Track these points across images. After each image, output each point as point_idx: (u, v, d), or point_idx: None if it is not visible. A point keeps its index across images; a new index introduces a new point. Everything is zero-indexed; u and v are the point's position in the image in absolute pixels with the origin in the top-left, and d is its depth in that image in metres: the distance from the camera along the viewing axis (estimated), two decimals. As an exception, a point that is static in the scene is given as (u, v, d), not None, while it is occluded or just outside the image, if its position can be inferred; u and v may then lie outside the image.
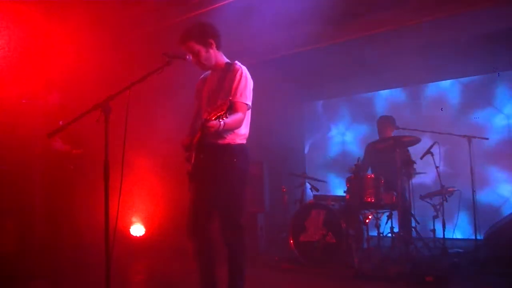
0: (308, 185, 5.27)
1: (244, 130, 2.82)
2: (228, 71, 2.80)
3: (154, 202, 6.14)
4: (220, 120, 2.38)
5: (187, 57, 2.75)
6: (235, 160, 2.77)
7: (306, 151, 7.66)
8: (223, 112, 2.31)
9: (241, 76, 2.75)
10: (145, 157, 6.16)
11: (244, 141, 2.86)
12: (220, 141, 2.74)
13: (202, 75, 3.05)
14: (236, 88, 2.72)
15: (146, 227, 6.19)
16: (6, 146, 4.11)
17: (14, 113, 4.20)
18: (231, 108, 2.35)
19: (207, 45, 2.78)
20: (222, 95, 2.76)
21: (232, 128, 2.69)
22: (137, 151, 5.13)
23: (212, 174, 2.76)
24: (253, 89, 2.85)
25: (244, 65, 2.87)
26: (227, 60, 2.89)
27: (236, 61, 2.87)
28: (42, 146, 4.36)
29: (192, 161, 2.75)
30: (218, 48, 2.85)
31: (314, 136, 7.69)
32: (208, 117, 2.38)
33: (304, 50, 5.51)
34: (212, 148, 2.72)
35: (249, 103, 2.77)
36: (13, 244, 5.65)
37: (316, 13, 5.17)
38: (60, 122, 4.26)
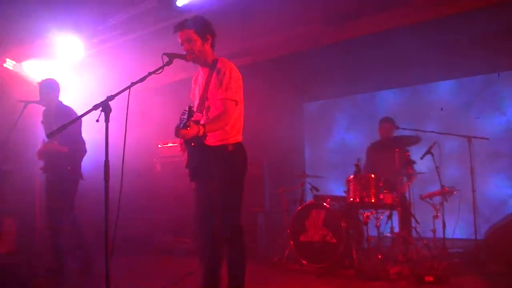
0: (308, 185, 5.27)
1: (237, 126, 2.80)
2: (213, 68, 2.80)
3: (154, 202, 6.14)
4: (199, 125, 2.45)
5: (186, 57, 2.76)
6: (231, 160, 2.76)
7: (305, 151, 7.66)
8: (185, 120, 2.35)
9: (225, 71, 2.73)
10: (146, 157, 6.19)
11: (239, 138, 2.83)
12: (212, 143, 2.73)
13: (195, 74, 3.06)
14: (221, 84, 2.71)
15: (146, 227, 6.18)
16: (7, 147, 4.11)
17: (13, 114, 4.19)
18: (192, 115, 2.39)
19: (204, 39, 2.81)
20: (209, 93, 2.78)
21: (217, 128, 2.67)
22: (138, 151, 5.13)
23: (208, 176, 2.76)
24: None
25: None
26: (215, 58, 2.90)
27: (222, 57, 2.86)
28: (41, 146, 4.36)
29: (185, 163, 2.77)
30: (212, 47, 2.88)
31: (313, 136, 7.68)
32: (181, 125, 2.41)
33: (303, 50, 5.51)
34: (206, 149, 2.72)
35: (236, 98, 2.75)
36: (13, 244, 5.67)
37: (316, 13, 5.18)
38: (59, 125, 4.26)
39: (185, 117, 2.37)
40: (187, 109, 2.38)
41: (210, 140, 2.71)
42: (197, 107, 2.80)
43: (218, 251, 2.85)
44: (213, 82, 2.77)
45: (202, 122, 2.70)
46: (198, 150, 2.72)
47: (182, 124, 2.37)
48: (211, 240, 2.83)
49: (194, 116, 2.78)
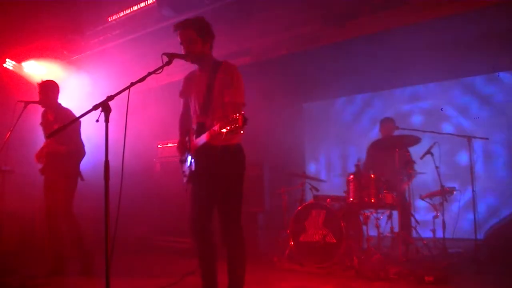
0: (308, 185, 5.27)
1: None
2: (218, 70, 2.80)
3: (154, 202, 6.14)
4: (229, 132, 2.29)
5: (186, 57, 2.76)
6: (232, 161, 2.77)
7: (305, 151, 7.66)
8: (240, 127, 2.20)
9: (233, 74, 2.75)
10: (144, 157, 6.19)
11: (240, 140, 2.85)
12: (217, 143, 2.73)
13: (188, 73, 3.04)
14: (230, 88, 2.72)
15: (146, 227, 6.18)
16: (7, 147, 4.11)
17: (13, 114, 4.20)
18: (246, 121, 2.22)
19: (205, 40, 2.81)
20: (214, 96, 2.76)
21: None
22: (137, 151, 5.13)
23: (210, 176, 2.76)
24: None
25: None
26: (215, 59, 2.90)
27: (225, 60, 2.87)
28: (41, 147, 4.36)
29: (189, 163, 2.77)
30: (211, 48, 2.89)
31: (313, 136, 7.68)
32: (221, 130, 2.28)
33: (303, 50, 5.51)
34: (209, 150, 2.72)
35: (244, 100, 2.77)
36: (13, 244, 5.67)
37: (316, 13, 5.18)
38: (55, 126, 4.27)
39: (238, 125, 2.20)
40: (239, 116, 2.20)
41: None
42: (200, 109, 2.80)
43: (215, 251, 2.86)
44: (218, 84, 2.76)
45: (207, 124, 2.70)
46: (200, 150, 2.72)
47: (229, 130, 2.23)
48: (208, 240, 2.84)
49: (200, 118, 2.78)
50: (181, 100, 3.07)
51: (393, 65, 5.75)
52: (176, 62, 2.67)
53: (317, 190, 5.14)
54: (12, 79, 6.16)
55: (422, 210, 5.07)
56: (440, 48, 5.42)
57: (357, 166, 4.68)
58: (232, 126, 2.23)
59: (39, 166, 4.42)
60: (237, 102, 2.69)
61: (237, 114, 2.21)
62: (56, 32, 6.02)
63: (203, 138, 2.64)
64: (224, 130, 2.27)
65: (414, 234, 4.70)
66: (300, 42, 5.39)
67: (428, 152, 4.83)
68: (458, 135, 5.04)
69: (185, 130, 3.00)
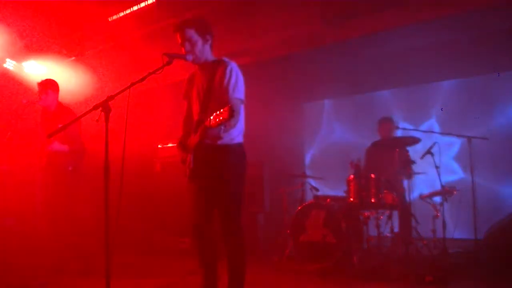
0: (308, 185, 5.27)
1: (240, 126, 2.81)
2: (217, 68, 2.79)
3: (154, 202, 6.15)
4: (221, 126, 2.36)
5: (187, 57, 2.76)
6: (233, 160, 2.77)
7: (305, 151, 7.66)
8: (226, 119, 2.25)
9: (231, 71, 2.74)
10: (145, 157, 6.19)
11: (241, 139, 2.84)
12: (218, 142, 2.72)
13: (189, 75, 3.04)
14: (228, 84, 2.70)
15: (146, 227, 6.19)
16: (7, 147, 4.11)
17: (15, 113, 4.20)
18: (233, 113, 2.27)
19: (205, 40, 2.81)
20: (214, 94, 2.76)
21: (230, 129, 2.69)
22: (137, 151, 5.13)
23: (210, 175, 2.76)
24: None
25: (243, 65, 2.88)
26: (215, 58, 2.90)
27: (224, 58, 2.86)
28: (42, 146, 4.36)
29: (189, 163, 2.76)
30: (211, 47, 2.88)
31: (313, 136, 7.69)
32: (211, 123, 2.34)
33: (303, 50, 5.51)
34: (210, 149, 2.72)
35: (243, 98, 2.76)
36: (14, 244, 5.66)
37: (315, 13, 5.18)
38: (59, 125, 4.27)
39: (224, 117, 2.25)
40: (225, 109, 2.25)
41: (214, 140, 2.71)
42: (200, 107, 2.80)
43: (215, 251, 2.86)
44: (218, 82, 2.76)
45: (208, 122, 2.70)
46: (201, 149, 2.72)
47: (218, 123, 2.29)
48: (208, 240, 2.84)
49: (200, 116, 2.78)
50: (184, 103, 3.07)
51: (393, 65, 5.75)
52: (177, 62, 2.66)
53: (317, 190, 5.14)
54: (12, 79, 6.16)
55: (422, 210, 5.06)
56: (440, 48, 5.41)
57: (357, 166, 4.68)
58: (218, 120, 2.27)
59: (39, 165, 4.43)
60: (235, 98, 2.69)
61: (225, 108, 2.24)
62: (56, 32, 6.03)
63: (198, 136, 2.64)
64: (212, 123, 2.31)
65: (414, 234, 4.70)
66: (300, 42, 5.39)
67: (428, 152, 4.83)
68: (458, 135, 5.03)
69: (187, 131, 3.00)
